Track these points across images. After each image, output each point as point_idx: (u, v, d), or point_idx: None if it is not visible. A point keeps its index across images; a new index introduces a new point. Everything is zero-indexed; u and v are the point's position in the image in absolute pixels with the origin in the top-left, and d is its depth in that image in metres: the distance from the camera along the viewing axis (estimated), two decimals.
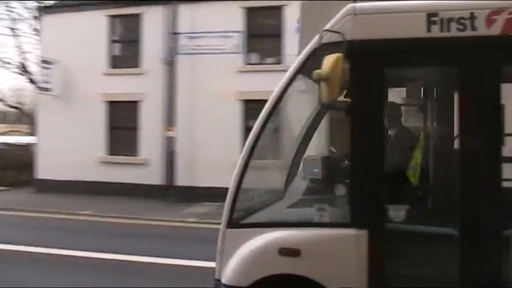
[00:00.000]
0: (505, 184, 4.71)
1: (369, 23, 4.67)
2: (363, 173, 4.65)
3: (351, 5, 4.69)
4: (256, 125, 4.92)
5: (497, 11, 4.47)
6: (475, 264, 4.44)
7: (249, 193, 5.19)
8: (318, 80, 4.40)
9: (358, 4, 4.72)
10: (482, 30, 4.48)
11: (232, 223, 4.92)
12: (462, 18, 4.51)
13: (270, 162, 5.88)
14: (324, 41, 4.67)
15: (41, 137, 21.16)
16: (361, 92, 4.66)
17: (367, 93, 4.67)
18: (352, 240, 4.57)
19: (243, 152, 4.93)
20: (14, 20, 26.64)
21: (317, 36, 4.73)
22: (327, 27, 4.68)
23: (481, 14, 4.49)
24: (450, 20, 4.53)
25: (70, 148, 19.80)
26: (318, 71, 4.39)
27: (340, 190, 4.85)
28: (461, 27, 4.52)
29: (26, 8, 25.90)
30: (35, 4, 25.28)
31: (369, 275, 4.55)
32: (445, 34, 4.53)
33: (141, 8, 20.09)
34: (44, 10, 22.22)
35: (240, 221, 4.97)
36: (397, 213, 4.67)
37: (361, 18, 4.65)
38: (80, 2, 20.89)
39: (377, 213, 4.61)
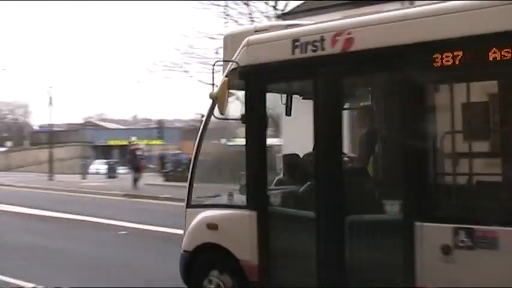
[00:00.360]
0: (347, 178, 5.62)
1: (257, 51, 6.00)
2: (253, 167, 6.07)
3: (247, 38, 6.11)
4: (199, 134, 6.67)
5: (339, 33, 5.42)
6: (325, 241, 5.52)
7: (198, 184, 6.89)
8: (211, 99, 6.00)
9: (252, 37, 6.12)
10: (328, 49, 5.49)
11: (189, 204, 6.76)
12: (315, 41, 5.57)
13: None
14: (232, 68, 6.17)
15: (285, 138, 23.40)
16: (251, 104, 6.05)
17: (255, 105, 6.03)
18: (247, 219, 6.02)
19: (192, 155, 6.74)
20: None
21: (229, 64, 6.24)
22: (234, 56, 6.18)
23: (328, 36, 5.49)
24: (307, 43, 5.62)
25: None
26: (210, 92, 5.99)
27: (243, 180, 6.25)
28: (314, 48, 5.58)
29: (267, 16, 27.91)
30: (273, 12, 27.12)
31: (258, 247, 5.96)
32: (303, 55, 5.65)
33: (378, 7, 20.70)
34: (282, 17, 23.76)
35: (193, 203, 6.76)
36: (275, 199, 5.95)
37: (252, 48, 6.03)
38: (316, 5, 21.93)
39: (262, 199, 5.97)
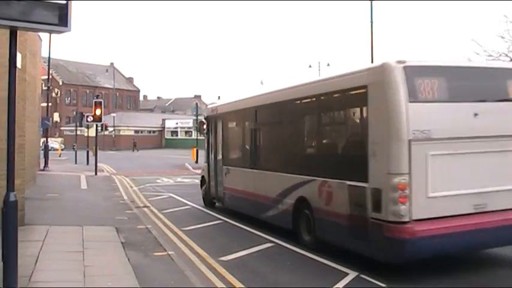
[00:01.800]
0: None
1: (207, 111, 20.28)
2: (208, 151, 18.93)
3: (207, 107, 24.06)
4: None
5: (216, 108, 18.56)
6: (215, 172, 18.02)
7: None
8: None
9: (208, 106, 23.13)
10: (214, 112, 18.58)
11: (205, 161, 19.90)
12: (214, 109, 18.73)
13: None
14: (205, 115, 21.59)
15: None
16: (208, 129, 19.27)
17: (208, 129, 19.16)
18: (207, 166, 18.90)
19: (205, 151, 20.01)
20: None
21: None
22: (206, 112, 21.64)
23: (216, 107, 18.62)
24: (213, 110, 18.78)
25: None
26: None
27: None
28: (213, 112, 18.59)
29: None
30: None
31: (207, 175, 18.93)
32: (212, 114, 18.72)
33: None
34: None
35: (204, 161, 20.81)
36: (210, 160, 18.74)
37: (206, 110, 22.23)
38: None
39: (208, 160, 18.99)
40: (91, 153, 39.68)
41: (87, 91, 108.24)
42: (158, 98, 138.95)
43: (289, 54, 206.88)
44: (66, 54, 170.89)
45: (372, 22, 35.68)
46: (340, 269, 9.74)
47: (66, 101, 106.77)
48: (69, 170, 35.88)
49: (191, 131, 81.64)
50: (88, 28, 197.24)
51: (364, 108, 9.81)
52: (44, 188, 22.98)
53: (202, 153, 40.65)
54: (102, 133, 48.90)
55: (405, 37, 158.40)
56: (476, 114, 9.34)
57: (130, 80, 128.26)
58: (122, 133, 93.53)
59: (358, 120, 10.45)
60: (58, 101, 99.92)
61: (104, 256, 10.35)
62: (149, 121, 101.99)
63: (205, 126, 19.77)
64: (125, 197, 20.85)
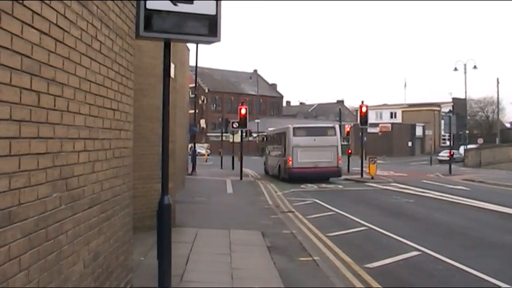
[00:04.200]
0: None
1: (266, 132, 47.24)
2: (265, 150, 43.47)
3: (267, 130, 48.82)
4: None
5: (268, 131, 45.71)
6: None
7: None
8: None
9: (266, 130, 50.13)
10: (268, 132, 41.43)
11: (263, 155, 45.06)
12: (272, 131, 41.97)
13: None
14: (265, 134, 45.59)
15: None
16: (266, 140, 43.94)
17: (266, 140, 44.11)
18: (265, 157, 43.89)
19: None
20: None
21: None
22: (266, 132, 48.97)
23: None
24: (269, 131, 43.00)
25: None
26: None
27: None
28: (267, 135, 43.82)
29: None
30: None
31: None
32: (267, 134, 44.64)
33: None
34: None
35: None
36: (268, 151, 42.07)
37: (267, 131, 47.81)
38: None
39: (265, 154, 41.96)
40: (236, 159, 41.50)
41: (232, 98, 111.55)
42: (301, 103, 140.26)
43: (434, 55, 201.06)
44: (211, 63, 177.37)
45: None
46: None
47: (212, 108, 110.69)
48: (215, 175, 37.40)
49: None
50: (232, 36, 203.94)
51: (286, 138, 33.64)
52: (192, 192, 24.06)
53: (354, 159, 44.29)
54: (247, 139, 51.17)
55: None
56: (314, 139, 32.93)
57: (273, 87, 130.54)
58: None
59: (285, 141, 33.76)
60: (204, 108, 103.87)
61: (250, 259, 10.60)
62: None
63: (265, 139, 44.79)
64: (270, 202, 21.33)
